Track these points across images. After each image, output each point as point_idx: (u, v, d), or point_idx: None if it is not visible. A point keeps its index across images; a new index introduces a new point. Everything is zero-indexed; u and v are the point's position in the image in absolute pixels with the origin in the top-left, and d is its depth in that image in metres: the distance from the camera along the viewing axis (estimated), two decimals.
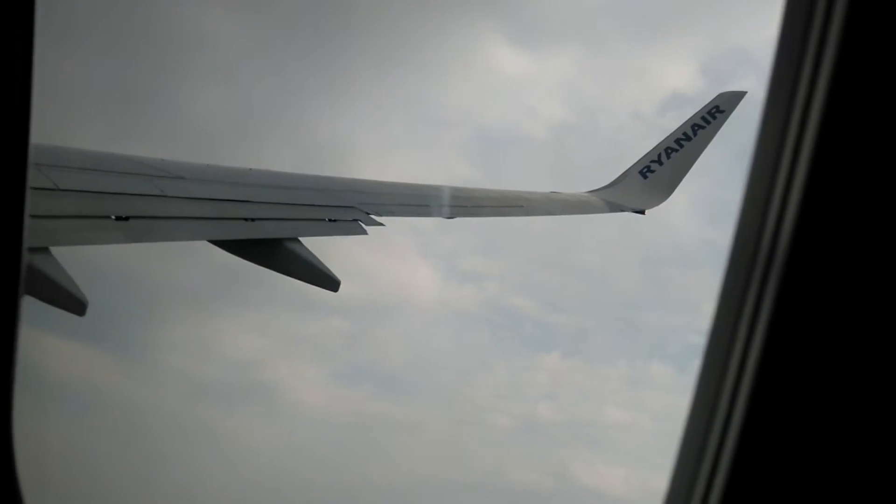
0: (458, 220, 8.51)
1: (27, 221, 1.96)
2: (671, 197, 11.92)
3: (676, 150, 12.40)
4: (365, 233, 7.00)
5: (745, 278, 1.45)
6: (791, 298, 1.37)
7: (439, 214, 8.23)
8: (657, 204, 11.72)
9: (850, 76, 1.28)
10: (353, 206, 7.24)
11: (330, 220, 6.95)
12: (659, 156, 12.41)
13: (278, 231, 6.41)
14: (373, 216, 7.22)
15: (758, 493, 1.43)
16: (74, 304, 4.71)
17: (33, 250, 4.66)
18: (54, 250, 4.84)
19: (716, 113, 12.34)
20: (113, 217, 5.46)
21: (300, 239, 6.40)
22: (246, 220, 6.30)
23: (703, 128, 12.35)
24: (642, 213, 11.40)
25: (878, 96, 1.28)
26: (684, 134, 12.53)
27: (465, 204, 8.66)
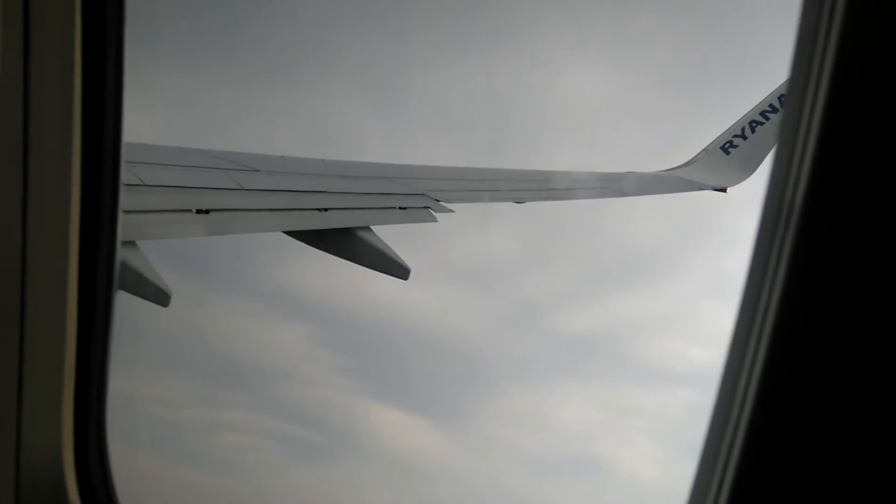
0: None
1: (121, 218, 2.07)
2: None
3: (762, 124, 11.96)
4: (435, 220, 7.13)
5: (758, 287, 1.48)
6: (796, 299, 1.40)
7: (510, 199, 8.27)
8: (740, 181, 11.36)
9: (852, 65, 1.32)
10: (422, 194, 7.37)
11: (400, 209, 7.10)
12: (742, 130, 11.99)
13: (350, 220, 6.60)
14: (442, 203, 7.35)
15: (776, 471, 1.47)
16: (160, 295, 5.01)
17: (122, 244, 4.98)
18: (140, 243, 5.16)
19: None
20: (194, 210, 5.75)
21: (372, 227, 6.59)
22: (319, 210, 6.51)
23: None
24: (724, 191, 11.10)
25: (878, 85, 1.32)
26: (770, 105, 12.05)
27: (536, 187, 8.66)
